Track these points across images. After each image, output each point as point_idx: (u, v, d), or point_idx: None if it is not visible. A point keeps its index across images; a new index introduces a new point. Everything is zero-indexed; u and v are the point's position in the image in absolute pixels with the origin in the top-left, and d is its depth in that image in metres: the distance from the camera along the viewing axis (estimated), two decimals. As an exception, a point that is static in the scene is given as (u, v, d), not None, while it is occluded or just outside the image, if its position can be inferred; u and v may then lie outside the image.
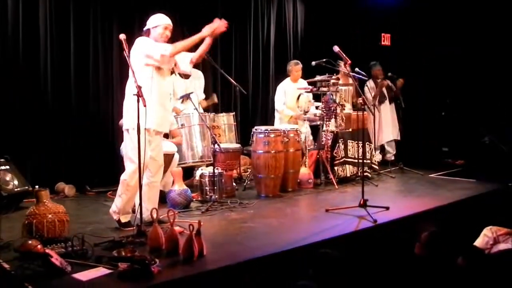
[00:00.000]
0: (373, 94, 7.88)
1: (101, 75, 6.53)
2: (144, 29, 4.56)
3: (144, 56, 4.33)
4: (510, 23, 8.16)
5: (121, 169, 5.83)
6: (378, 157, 8.03)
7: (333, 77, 6.48)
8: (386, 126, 8.04)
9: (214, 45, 7.62)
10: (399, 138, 8.11)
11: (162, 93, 4.47)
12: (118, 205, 4.46)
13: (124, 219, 4.46)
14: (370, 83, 7.93)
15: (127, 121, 4.41)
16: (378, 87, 7.92)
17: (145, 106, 4.02)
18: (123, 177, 4.48)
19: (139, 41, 4.42)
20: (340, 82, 6.75)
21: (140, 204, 4.25)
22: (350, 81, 6.93)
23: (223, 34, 7.73)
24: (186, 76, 6.54)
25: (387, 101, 8.03)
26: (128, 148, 4.43)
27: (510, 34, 8.19)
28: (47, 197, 4.11)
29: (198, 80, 6.73)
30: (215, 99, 6.97)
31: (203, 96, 6.82)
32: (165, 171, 5.44)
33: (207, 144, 5.91)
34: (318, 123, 6.55)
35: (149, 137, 4.32)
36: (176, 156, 5.55)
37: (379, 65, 8.01)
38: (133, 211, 5.19)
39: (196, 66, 6.69)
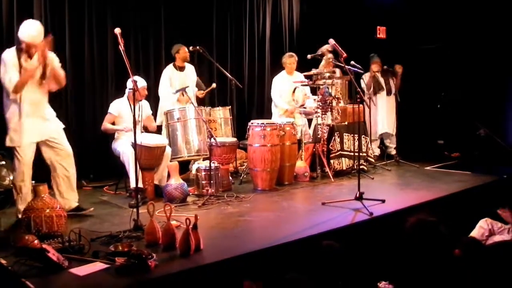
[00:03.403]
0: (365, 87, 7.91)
1: (97, 71, 6.51)
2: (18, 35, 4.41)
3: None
4: (509, 18, 8.18)
5: (116, 164, 5.84)
6: (376, 150, 8.04)
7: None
8: (382, 118, 8.06)
9: (209, 38, 7.69)
10: (393, 133, 8.08)
11: (32, 101, 4.43)
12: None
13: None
14: (366, 76, 7.94)
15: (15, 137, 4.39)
16: (368, 79, 7.92)
17: (140, 100, 4.02)
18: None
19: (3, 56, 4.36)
20: (337, 75, 6.77)
21: (136, 198, 4.25)
22: (338, 74, 6.94)
23: (219, 27, 7.82)
24: (181, 69, 6.57)
25: (384, 93, 8.02)
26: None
27: (507, 29, 8.21)
28: (46, 192, 4.11)
29: (192, 74, 6.74)
30: (214, 85, 7.03)
31: (196, 89, 6.82)
32: (157, 165, 5.45)
33: (203, 138, 5.91)
34: (314, 116, 6.55)
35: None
36: (168, 149, 5.54)
37: (377, 57, 8.01)
38: (129, 193, 5.23)
39: (190, 59, 6.76)
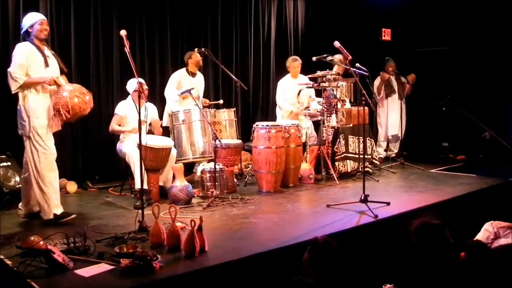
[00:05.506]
0: (376, 89, 7.98)
1: (102, 73, 6.53)
2: (22, 32, 4.54)
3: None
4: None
5: (121, 166, 5.87)
6: (382, 153, 8.05)
7: (332, 72, 6.48)
8: (392, 120, 8.12)
9: (215, 41, 7.71)
10: (400, 136, 8.11)
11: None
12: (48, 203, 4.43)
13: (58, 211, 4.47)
14: (378, 80, 8.06)
15: (36, 124, 4.47)
16: (379, 84, 8.00)
17: (146, 102, 4.04)
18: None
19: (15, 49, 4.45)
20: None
21: (142, 199, 4.26)
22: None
23: (224, 30, 7.84)
24: (193, 74, 6.62)
25: (395, 96, 8.08)
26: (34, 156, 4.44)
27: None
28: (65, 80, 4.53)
29: (201, 82, 6.80)
30: (220, 101, 7.08)
31: (202, 95, 6.84)
32: (163, 166, 5.46)
33: (208, 140, 5.92)
34: (319, 118, 6.55)
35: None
36: (174, 151, 5.56)
37: (392, 61, 8.11)
38: (134, 194, 5.26)
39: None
